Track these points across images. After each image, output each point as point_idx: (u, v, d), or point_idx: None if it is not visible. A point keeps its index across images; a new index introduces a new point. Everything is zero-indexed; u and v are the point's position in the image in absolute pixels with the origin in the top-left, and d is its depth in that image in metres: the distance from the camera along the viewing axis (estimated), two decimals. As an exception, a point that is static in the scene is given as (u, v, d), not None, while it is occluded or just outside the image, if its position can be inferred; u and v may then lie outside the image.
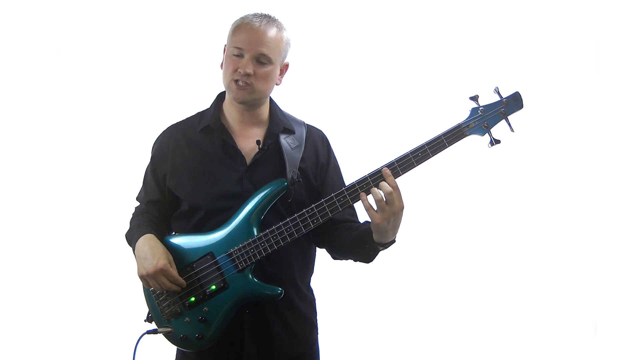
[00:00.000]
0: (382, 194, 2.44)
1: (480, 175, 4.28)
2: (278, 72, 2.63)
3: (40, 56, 4.26)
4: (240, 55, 2.57)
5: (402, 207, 2.47)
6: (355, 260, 2.69)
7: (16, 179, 4.25)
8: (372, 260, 2.64)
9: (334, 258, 2.77)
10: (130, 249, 2.70)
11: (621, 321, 4.32)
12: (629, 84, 4.31)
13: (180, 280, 2.55)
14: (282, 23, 2.64)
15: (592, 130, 4.36)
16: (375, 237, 2.53)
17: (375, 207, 2.46)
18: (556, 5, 4.33)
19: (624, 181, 4.32)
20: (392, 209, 2.45)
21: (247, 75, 2.55)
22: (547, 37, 4.33)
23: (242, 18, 2.62)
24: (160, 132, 2.75)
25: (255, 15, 2.61)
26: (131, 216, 2.78)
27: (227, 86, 2.62)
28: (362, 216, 2.77)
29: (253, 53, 2.56)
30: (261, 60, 2.57)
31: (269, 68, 2.58)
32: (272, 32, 2.58)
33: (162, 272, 2.53)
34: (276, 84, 2.66)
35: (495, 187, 4.32)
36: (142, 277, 2.57)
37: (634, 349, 4.31)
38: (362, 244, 2.58)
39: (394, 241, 2.57)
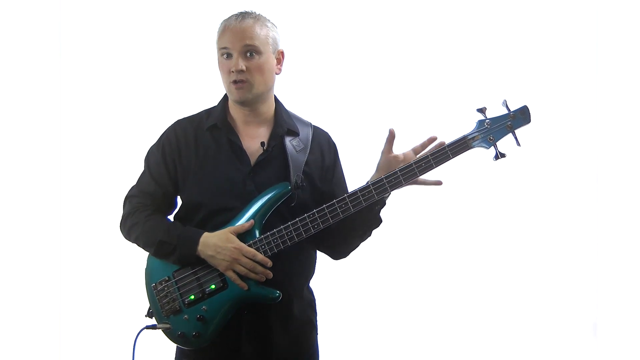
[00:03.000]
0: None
1: (480, 177, 4.27)
2: (273, 61, 2.63)
3: (40, 56, 4.25)
4: (228, 56, 2.58)
5: None
6: (360, 241, 2.68)
7: (16, 179, 4.25)
8: (378, 225, 2.65)
9: (337, 258, 2.76)
10: (134, 244, 2.68)
11: (621, 321, 4.32)
12: (631, 91, 4.31)
13: (259, 255, 2.50)
14: (261, 14, 2.64)
15: (592, 136, 4.36)
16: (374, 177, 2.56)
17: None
18: (559, 13, 4.34)
19: (624, 181, 4.32)
20: None
21: (241, 72, 2.55)
22: (550, 48, 4.33)
23: (221, 23, 2.64)
24: (171, 125, 2.72)
25: (231, 15, 2.63)
26: (132, 212, 2.67)
27: (228, 90, 2.62)
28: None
29: (239, 48, 2.56)
30: (249, 52, 2.57)
31: (260, 59, 2.58)
32: (250, 23, 2.58)
33: (239, 252, 2.49)
34: (276, 74, 2.65)
35: (495, 189, 4.32)
36: (227, 270, 2.50)
37: (634, 349, 4.31)
38: (359, 219, 2.58)
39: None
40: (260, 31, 2.59)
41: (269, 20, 2.65)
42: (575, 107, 4.35)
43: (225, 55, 2.59)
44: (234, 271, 2.51)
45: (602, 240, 4.33)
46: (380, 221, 2.65)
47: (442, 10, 4.35)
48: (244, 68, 2.56)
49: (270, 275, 2.52)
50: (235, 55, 2.57)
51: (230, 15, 2.64)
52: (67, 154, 4.31)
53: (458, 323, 4.30)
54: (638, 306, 4.31)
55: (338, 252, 2.74)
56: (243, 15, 2.61)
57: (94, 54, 4.28)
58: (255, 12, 2.64)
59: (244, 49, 2.56)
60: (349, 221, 2.58)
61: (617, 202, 4.32)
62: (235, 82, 2.57)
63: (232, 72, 2.56)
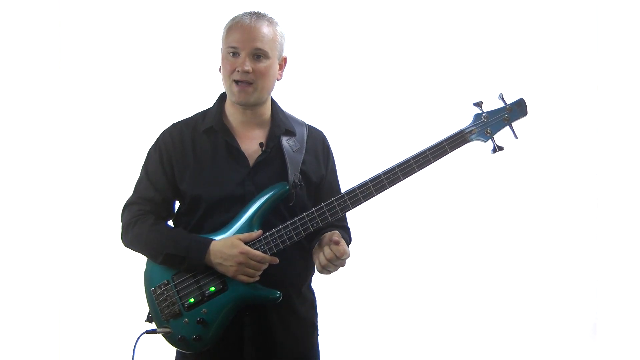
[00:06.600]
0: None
1: (480, 176, 4.28)
2: (277, 66, 2.63)
3: (40, 56, 4.26)
4: (236, 54, 2.57)
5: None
6: None
7: (16, 179, 4.25)
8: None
9: None
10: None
11: (621, 321, 4.32)
12: (630, 89, 4.31)
13: (268, 257, 2.51)
14: (273, 18, 2.64)
15: (593, 134, 4.36)
16: None
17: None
18: (558, 9, 4.34)
19: (624, 181, 4.32)
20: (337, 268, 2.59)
21: (246, 72, 2.55)
22: (550, 42, 4.33)
23: (232, 19, 2.63)
24: (166, 129, 2.71)
25: (244, 14, 2.62)
26: (132, 222, 2.66)
27: (228, 89, 2.61)
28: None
29: (248, 50, 2.56)
30: (258, 55, 2.57)
31: (266, 63, 2.58)
32: (263, 26, 2.58)
33: (246, 256, 2.49)
34: (277, 79, 2.66)
35: (495, 187, 4.32)
36: (236, 275, 2.51)
37: (634, 349, 4.31)
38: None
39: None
40: (271, 35, 2.59)
41: (279, 25, 2.65)
42: (575, 102, 4.36)
43: (232, 54, 2.58)
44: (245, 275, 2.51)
45: (602, 240, 4.33)
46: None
47: (440, 6, 4.35)
48: (250, 69, 2.55)
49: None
50: (243, 55, 2.56)
51: (242, 13, 2.63)
52: (67, 158, 4.31)
53: (458, 323, 4.31)
54: (638, 306, 4.31)
55: None
56: (258, 15, 2.61)
57: (94, 55, 4.29)
58: (267, 15, 2.64)
59: (253, 51, 2.56)
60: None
61: (617, 202, 4.32)
62: (237, 82, 2.57)
63: (237, 71, 2.56)
